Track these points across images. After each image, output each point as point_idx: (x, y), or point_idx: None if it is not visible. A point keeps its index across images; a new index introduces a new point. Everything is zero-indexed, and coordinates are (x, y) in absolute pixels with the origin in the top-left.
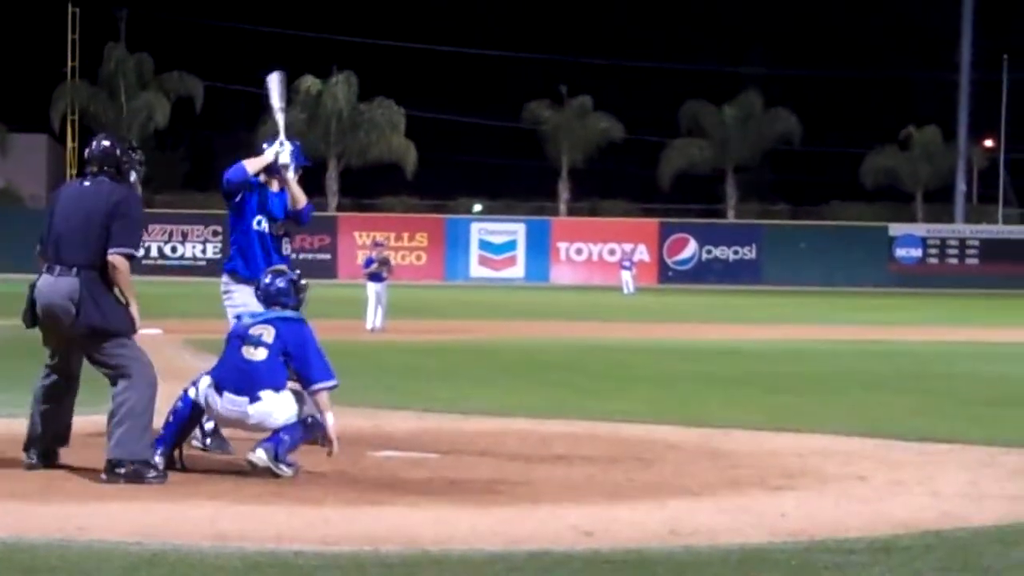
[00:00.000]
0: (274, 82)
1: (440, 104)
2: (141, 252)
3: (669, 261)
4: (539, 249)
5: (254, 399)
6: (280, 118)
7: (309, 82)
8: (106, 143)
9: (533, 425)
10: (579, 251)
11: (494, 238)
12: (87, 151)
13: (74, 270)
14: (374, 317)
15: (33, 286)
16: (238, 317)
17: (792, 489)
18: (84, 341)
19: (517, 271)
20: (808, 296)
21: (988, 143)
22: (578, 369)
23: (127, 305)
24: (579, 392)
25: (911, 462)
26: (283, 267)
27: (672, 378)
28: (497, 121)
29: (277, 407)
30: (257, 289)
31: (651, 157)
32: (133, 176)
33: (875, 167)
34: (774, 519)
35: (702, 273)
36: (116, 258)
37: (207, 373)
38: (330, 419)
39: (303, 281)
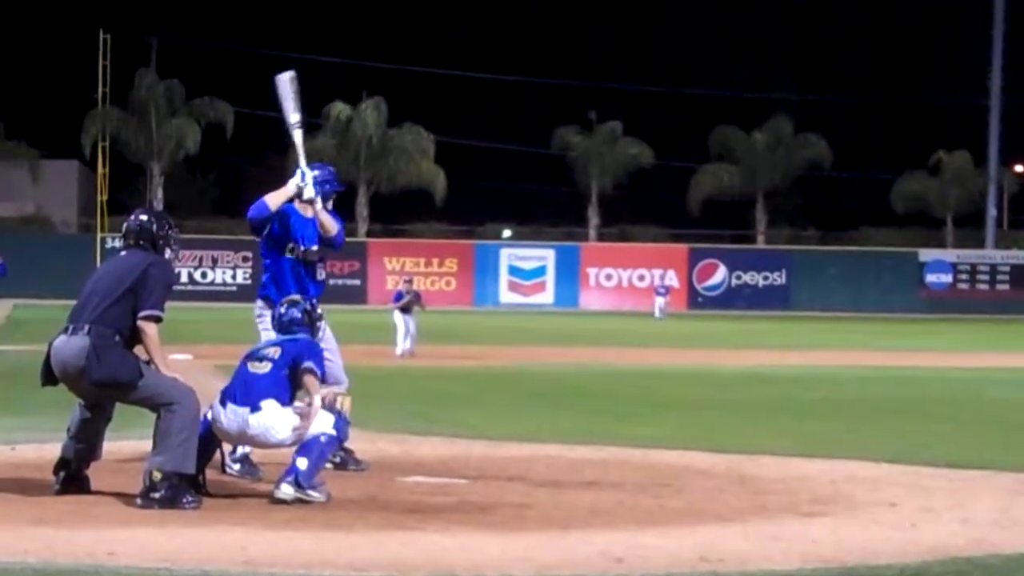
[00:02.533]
0: (284, 86)
1: (469, 130)
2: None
3: (699, 287)
4: (569, 275)
5: (255, 408)
6: (298, 137)
7: (339, 108)
8: (143, 218)
9: (563, 451)
10: (609, 277)
11: (524, 264)
12: (125, 225)
13: (86, 328)
14: (404, 343)
15: (50, 345)
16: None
17: (822, 515)
18: (102, 393)
19: (547, 297)
20: (838, 322)
21: (1019, 168)
22: (608, 395)
23: (145, 361)
24: (609, 418)
25: (942, 488)
26: (297, 297)
27: (702, 404)
28: (526, 147)
29: (278, 420)
30: (272, 319)
31: (681, 182)
32: (168, 253)
33: (905, 192)
34: (804, 545)
35: (731, 299)
36: (144, 323)
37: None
38: (316, 401)
39: (319, 310)
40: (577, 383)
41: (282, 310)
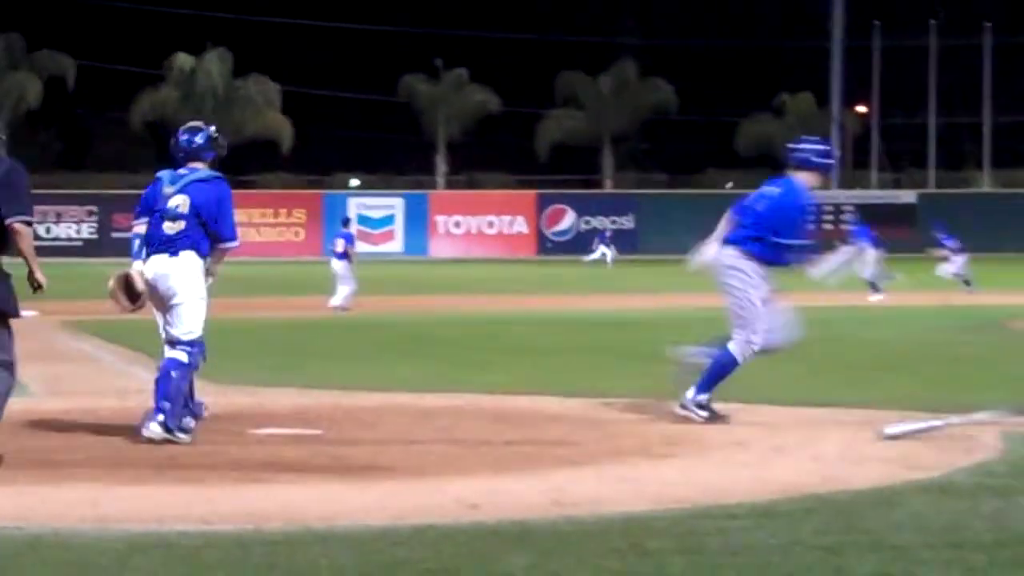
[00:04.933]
0: None
1: (315, 79)
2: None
3: (547, 232)
4: (417, 223)
5: (174, 254)
6: None
7: (182, 59)
8: None
9: (415, 399)
10: (457, 224)
11: (372, 213)
12: None
13: None
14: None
15: None
16: (158, 179)
17: (674, 457)
18: None
19: (395, 245)
20: (686, 264)
21: (861, 109)
22: (459, 342)
23: (8, 279)
24: (461, 365)
25: (791, 427)
26: (199, 123)
27: (553, 350)
28: (373, 95)
29: (190, 271)
30: (175, 146)
31: (528, 129)
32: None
33: (750, 135)
34: (657, 487)
35: (581, 244)
36: (17, 224)
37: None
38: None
39: (219, 136)
40: (428, 331)
41: (184, 137)
